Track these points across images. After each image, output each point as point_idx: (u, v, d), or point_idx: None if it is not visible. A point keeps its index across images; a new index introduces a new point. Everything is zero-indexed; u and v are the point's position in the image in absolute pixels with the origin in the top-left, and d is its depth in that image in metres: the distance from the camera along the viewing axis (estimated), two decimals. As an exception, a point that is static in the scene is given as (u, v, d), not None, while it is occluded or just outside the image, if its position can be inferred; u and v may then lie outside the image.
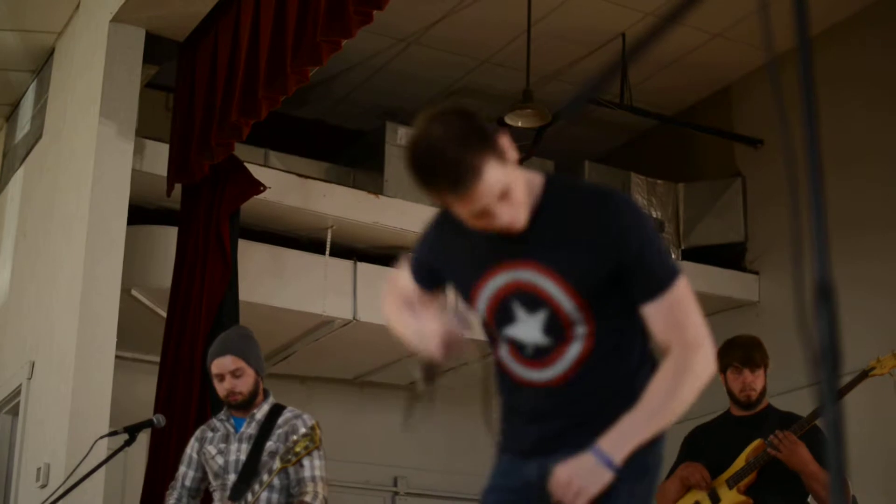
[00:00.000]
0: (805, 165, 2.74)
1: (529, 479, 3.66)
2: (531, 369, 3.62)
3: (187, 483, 6.01)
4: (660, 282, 3.53)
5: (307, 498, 5.59)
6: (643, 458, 3.48)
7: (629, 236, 3.45)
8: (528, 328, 3.56)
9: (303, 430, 5.46)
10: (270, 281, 10.56)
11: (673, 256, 3.56)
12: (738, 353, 6.23)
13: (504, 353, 3.73)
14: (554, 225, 3.44)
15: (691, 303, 3.61)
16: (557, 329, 3.50)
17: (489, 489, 3.77)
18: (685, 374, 3.46)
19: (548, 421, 3.62)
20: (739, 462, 6.08)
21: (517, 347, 3.66)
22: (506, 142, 3.36)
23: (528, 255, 3.48)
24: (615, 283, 3.48)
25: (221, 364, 5.81)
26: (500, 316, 3.65)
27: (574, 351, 3.52)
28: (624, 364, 3.57)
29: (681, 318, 3.56)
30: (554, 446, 3.57)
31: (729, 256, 12.47)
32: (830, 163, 10.54)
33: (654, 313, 3.52)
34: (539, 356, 3.58)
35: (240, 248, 9.74)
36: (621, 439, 3.39)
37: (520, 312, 3.57)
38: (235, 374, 5.80)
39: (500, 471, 3.81)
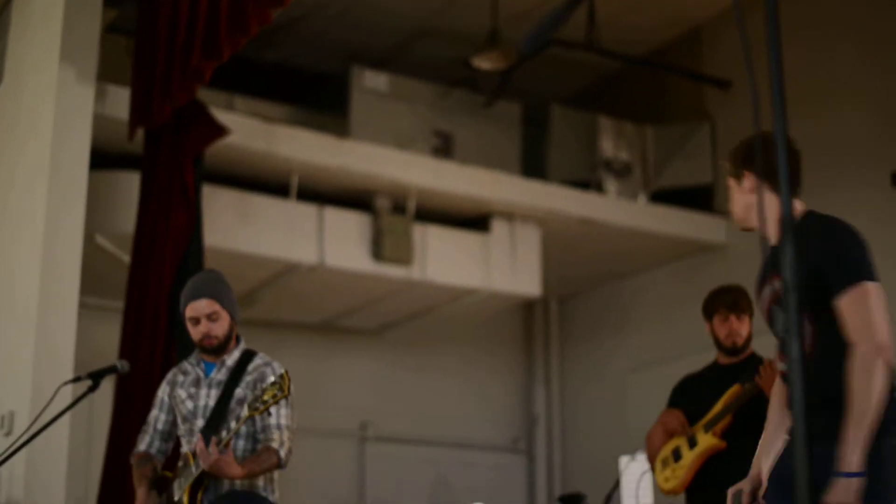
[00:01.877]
0: (770, 106, 2.69)
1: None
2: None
3: (159, 426, 5.96)
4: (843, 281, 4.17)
5: (273, 444, 5.54)
6: (877, 452, 3.97)
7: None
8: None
9: (271, 379, 5.40)
10: (236, 226, 10.49)
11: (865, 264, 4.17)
12: (724, 300, 6.27)
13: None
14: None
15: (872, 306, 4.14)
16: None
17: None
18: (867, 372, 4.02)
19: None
20: (717, 407, 6.09)
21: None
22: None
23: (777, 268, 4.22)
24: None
25: (197, 307, 5.75)
26: (770, 320, 4.23)
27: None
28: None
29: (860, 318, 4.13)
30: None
31: (697, 199, 12.44)
32: (814, 99, 10.57)
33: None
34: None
35: (205, 193, 9.64)
36: (852, 450, 3.93)
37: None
38: (211, 317, 5.73)
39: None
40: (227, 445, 5.40)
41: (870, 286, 4.13)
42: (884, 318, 4.09)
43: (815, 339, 4.19)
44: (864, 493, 3.89)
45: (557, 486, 13.55)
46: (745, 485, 4.56)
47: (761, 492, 4.41)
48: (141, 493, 5.78)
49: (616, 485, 7.21)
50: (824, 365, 4.12)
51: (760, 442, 4.64)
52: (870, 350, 4.01)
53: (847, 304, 4.10)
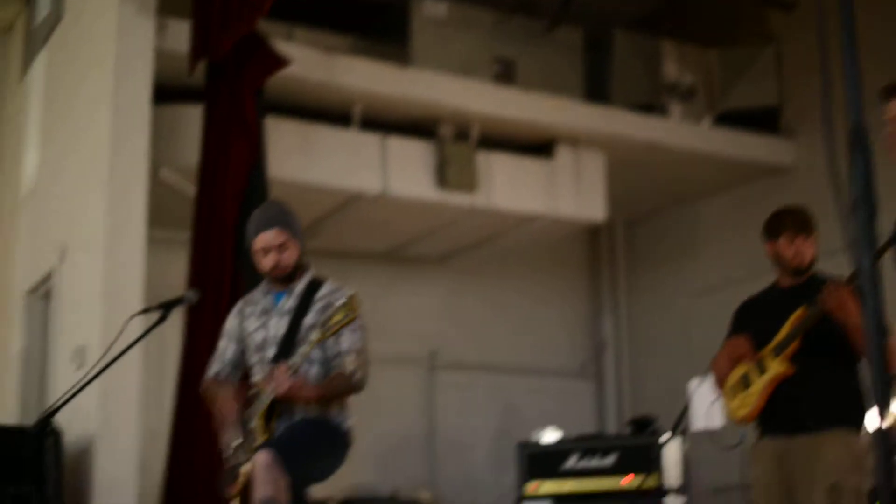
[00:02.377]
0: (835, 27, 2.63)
1: None
2: None
3: (228, 356, 5.98)
4: None
5: (346, 370, 5.54)
6: None
7: None
8: None
9: (341, 301, 5.40)
10: (299, 157, 10.49)
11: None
12: (790, 220, 6.17)
13: None
14: None
15: None
16: None
17: None
18: None
19: None
20: (784, 331, 6.02)
21: None
22: None
23: None
24: None
25: (265, 238, 5.75)
26: None
27: None
28: None
29: None
30: None
31: (763, 121, 12.31)
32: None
33: None
34: None
35: (267, 125, 9.65)
36: None
37: None
38: (280, 247, 5.74)
39: None
40: (297, 371, 5.42)
41: None
42: None
43: None
44: None
45: (627, 410, 13.54)
46: None
47: None
48: (222, 398, 5.80)
49: (686, 408, 7.19)
50: None
51: None
52: None
53: None
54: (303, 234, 5.89)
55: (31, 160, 10.97)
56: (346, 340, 5.60)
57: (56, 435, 5.17)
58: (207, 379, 6.03)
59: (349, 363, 5.58)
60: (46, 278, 9.79)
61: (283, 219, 5.79)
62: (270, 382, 5.38)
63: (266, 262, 5.79)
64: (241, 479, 5.59)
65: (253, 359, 5.86)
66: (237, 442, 5.73)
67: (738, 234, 12.21)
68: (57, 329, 9.32)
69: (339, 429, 5.67)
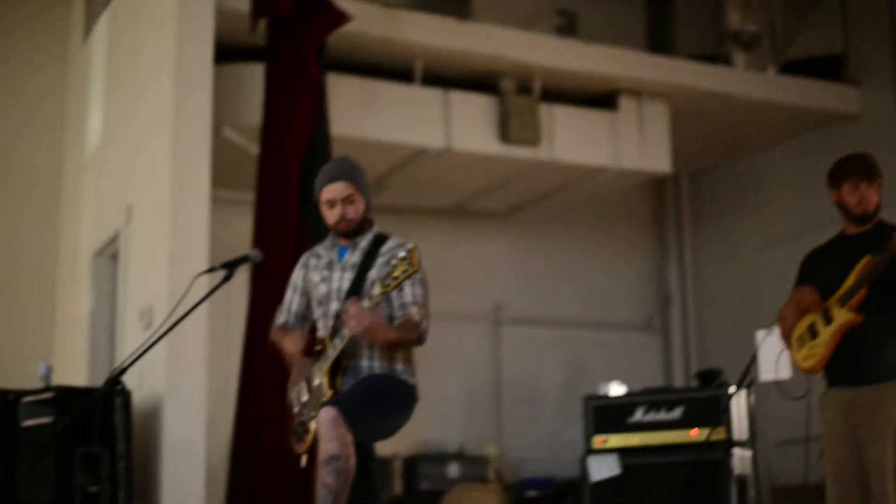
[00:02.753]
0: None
1: None
2: None
3: (293, 308, 5.99)
4: None
5: (413, 318, 5.54)
6: None
7: None
8: None
9: (402, 254, 5.39)
10: (361, 114, 10.49)
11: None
12: (855, 167, 6.09)
13: None
14: None
15: None
16: None
17: None
18: None
19: None
20: (850, 280, 5.96)
21: None
22: None
23: None
24: None
25: (333, 190, 5.74)
26: None
27: None
28: None
29: None
30: None
31: (828, 69, 12.17)
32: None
33: None
34: None
35: (329, 82, 9.65)
36: None
37: None
38: (347, 200, 5.73)
39: None
40: (375, 306, 5.40)
41: None
42: None
43: None
44: None
45: (693, 362, 13.50)
46: None
47: None
48: (289, 342, 5.81)
49: (753, 359, 7.14)
50: None
51: None
52: None
53: None
54: (369, 190, 5.88)
55: (95, 123, 11.02)
56: (409, 293, 5.60)
57: (125, 395, 5.21)
58: (275, 327, 6.05)
59: (415, 313, 5.57)
60: (113, 239, 9.85)
61: (351, 173, 5.78)
62: (348, 321, 5.36)
63: (332, 215, 5.79)
64: (308, 436, 5.61)
65: (317, 312, 5.87)
66: (304, 398, 5.76)
67: (803, 183, 12.11)
68: (124, 290, 9.38)
69: (405, 385, 5.67)
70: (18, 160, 11.93)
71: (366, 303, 5.42)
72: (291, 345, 5.77)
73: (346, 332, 5.47)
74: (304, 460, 5.70)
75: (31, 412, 7.92)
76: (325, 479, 5.21)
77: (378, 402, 5.51)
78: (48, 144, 12.14)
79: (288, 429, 5.84)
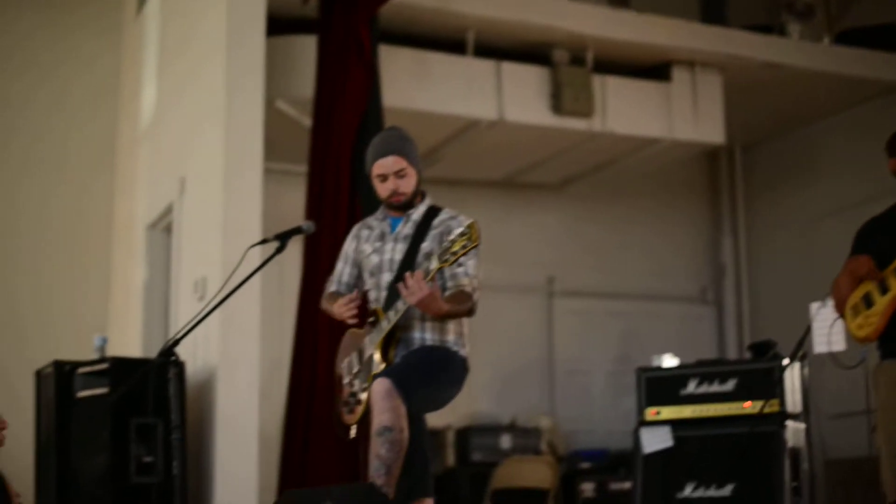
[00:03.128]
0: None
1: None
2: None
3: (344, 279, 6.02)
4: None
5: (465, 289, 5.55)
6: None
7: None
8: None
9: (460, 230, 5.38)
10: (414, 85, 10.48)
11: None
12: None
13: None
14: None
15: None
16: None
17: None
18: None
19: None
20: (907, 250, 5.91)
21: None
22: None
23: None
24: None
25: (384, 164, 5.75)
26: None
27: None
28: None
29: None
30: None
31: (884, 39, 12.06)
32: None
33: None
34: None
35: (381, 53, 9.64)
36: None
37: None
38: (398, 174, 5.74)
39: None
40: (432, 279, 5.40)
41: None
42: None
43: None
44: None
45: (747, 334, 13.44)
46: None
47: None
48: (339, 304, 5.81)
49: (807, 331, 7.11)
50: None
51: None
52: None
53: None
54: (420, 162, 5.88)
55: (148, 95, 11.07)
56: (465, 266, 5.60)
57: (179, 366, 5.24)
58: (325, 295, 6.07)
59: (466, 285, 5.57)
60: (167, 212, 9.91)
61: (401, 146, 5.78)
62: (404, 291, 5.36)
63: (384, 189, 5.80)
64: (359, 408, 5.63)
65: (368, 283, 5.88)
66: (355, 369, 5.77)
67: (858, 154, 12.00)
68: (178, 262, 9.44)
69: (457, 356, 5.68)
70: (73, 134, 12.00)
71: (431, 266, 5.42)
72: (342, 309, 5.79)
73: (402, 305, 5.48)
74: (353, 431, 5.72)
75: (87, 383, 7.99)
76: (379, 450, 5.23)
77: (430, 373, 5.52)
78: (102, 117, 12.20)
79: (338, 399, 5.86)
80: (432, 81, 10.62)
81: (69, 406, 8.05)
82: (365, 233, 5.97)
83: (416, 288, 5.31)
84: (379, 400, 5.27)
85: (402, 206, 5.82)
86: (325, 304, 6.04)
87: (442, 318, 5.59)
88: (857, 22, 12.18)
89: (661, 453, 7.19)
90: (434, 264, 5.34)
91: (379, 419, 5.25)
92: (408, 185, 5.78)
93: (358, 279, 6.00)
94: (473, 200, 12.25)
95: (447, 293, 5.59)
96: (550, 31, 10.93)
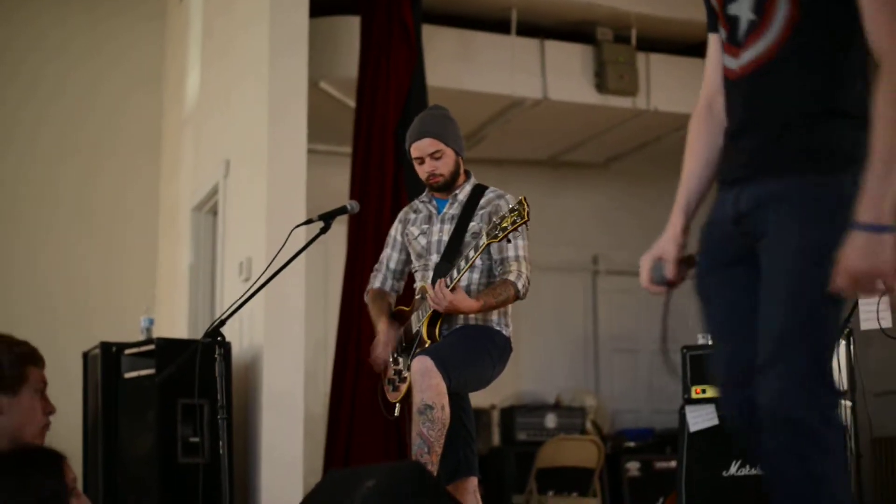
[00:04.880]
0: None
1: (725, 213, 3.41)
2: (742, 53, 3.28)
3: (392, 265, 6.01)
4: None
5: (511, 277, 5.53)
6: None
7: None
8: (741, 5, 3.27)
9: (510, 206, 5.37)
10: (457, 64, 10.47)
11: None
12: None
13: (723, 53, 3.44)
14: None
15: None
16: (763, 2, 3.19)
17: (705, 223, 3.53)
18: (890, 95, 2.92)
19: (747, 134, 3.29)
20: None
21: (731, 29, 3.34)
22: None
23: None
24: None
25: (420, 147, 5.75)
26: None
27: (779, 18, 3.15)
28: (830, 61, 3.13)
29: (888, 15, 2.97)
30: (749, 172, 3.27)
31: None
32: None
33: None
34: (748, 34, 3.26)
35: (424, 33, 9.63)
36: (876, 198, 2.87)
37: None
38: (435, 156, 5.73)
39: (713, 204, 3.52)
40: (454, 289, 5.41)
41: None
42: None
43: (792, 25, 3.14)
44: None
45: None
46: (665, 249, 3.70)
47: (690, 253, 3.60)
48: (382, 325, 5.84)
49: (853, 308, 7.06)
50: (799, 66, 3.15)
51: (682, 186, 3.82)
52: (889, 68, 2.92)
53: None
54: (461, 140, 5.87)
55: (193, 78, 11.10)
56: (513, 247, 5.59)
57: (225, 346, 5.25)
58: (370, 290, 6.07)
59: (514, 270, 5.56)
60: (212, 194, 9.93)
61: (436, 127, 5.77)
62: (432, 300, 5.40)
63: (422, 171, 5.80)
64: (403, 386, 5.63)
65: (416, 264, 5.88)
66: (402, 347, 5.78)
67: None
68: (223, 243, 9.46)
69: (500, 335, 5.67)
70: (120, 118, 12.07)
71: (461, 263, 5.44)
72: (379, 324, 5.83)
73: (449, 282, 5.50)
74: (397, 409, 5.73)
75: (134, 364, 8.03)
76: (420, 428, 5.23)
77: (472, 351, 5.52)
78: (147, 103, 12.26)
79: (383, 377, 5.87)
80: (476, 61, 10.61)
81: (116, 387, 8.10)
82: (412, 216, 5.97)
83: (439, 298, 5.34)
84: (419, 378, 5.27)
85: (443, 188, 5.81)
86: (368, 301, 6.06)
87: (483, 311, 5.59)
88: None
89: (706, 432, 7.16)
90: (483, 240, 5.35)
91: (419, 397, 5.25)
92: (445, 166, 5.77)
93: (405, 265, 6.00)
94: (518, 179, 12.25)
95: (492, 284, 5.59)
96: (593, 9, 10.89)
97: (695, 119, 3.65)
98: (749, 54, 3.26)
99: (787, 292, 3.10)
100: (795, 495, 3.05)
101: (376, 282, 6.05)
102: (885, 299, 6.22)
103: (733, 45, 3.33)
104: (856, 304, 7.11)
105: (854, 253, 2.87)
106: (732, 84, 3.36)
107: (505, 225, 5.25)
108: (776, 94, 3.20)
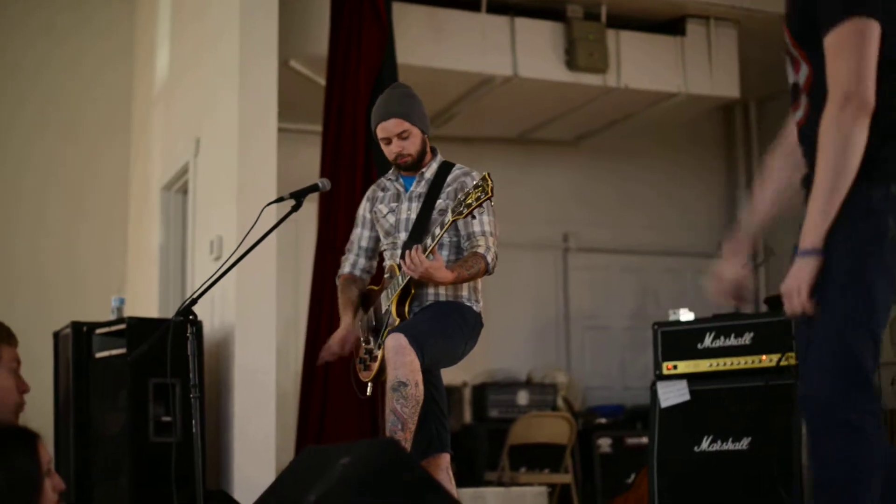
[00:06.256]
0: None
1: None
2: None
3: (363, 244, 6.03)
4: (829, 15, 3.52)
5: (480, 249, 5.54)
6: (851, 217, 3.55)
7: None
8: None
9: (474, 182, 5.38)
10: (428, 42, 10.46)
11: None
12: None
13: None
14: None
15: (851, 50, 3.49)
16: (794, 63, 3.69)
17: None
18: (830, 134, 3.49)
19: None
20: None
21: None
22: None
23: None
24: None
25: (386, 128, 5.75)
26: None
27: (802, 77, 3.65)
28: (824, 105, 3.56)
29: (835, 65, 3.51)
30: None
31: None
32: None
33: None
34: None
35: (395, 11, 9.62)
36: (812, 227, 3.60)
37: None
38: (402, 136, 5.73)
39: None
40: (433, 252, 5.43)
41: (863, 24, 3.46)
42: (871, 66, 3.45)
43: (813, 84, 3.62)
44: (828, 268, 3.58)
45: (763, 289, 13.43)
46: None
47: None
48: (345, 320, 5.87)
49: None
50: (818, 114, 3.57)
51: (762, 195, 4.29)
52: (846, 104, 3.43)
53: (832, 44, 3.48)
54: (426, 118, 5.87)
55: (163, 57, 11.06)
56: (479, 222, 5.60)
57: (196, 325, 5.25)
58: (341, 275, 6.09)
59: (482, 244, 5.57)
60: (182, 173, 9.91)
61: (401, 107, 5.77)
62: (406, 266, 5.40)
63: (389, 151, 5.82)
64: (374, 364, 5.65)
65: (385, 243, 5.89)
66: (372, 326, 5.79)
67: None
68: (194, 222, 9.45)
69: (471, 310, 5.69)
70: (88, 96, 12.01)
71: (428, 241, 5.45)
72: (344, 318, 5.86)
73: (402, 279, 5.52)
74: (370, 389, 5.74)
75: (105, 344, 8.02)
76: (394, 405, 5.25)
77: (444, 328, 5.53)
78: (117, 82, 12.21)
79: (354, 356, 5.88)
80: (446, 38, 10.59)
81: (87, 366, 8.08)
82: (380, 194, 5.98)
83: (414, 264, 5.35)
84: (392, 355, 5.28)
85: (411, 166, 5.83)
86: (338, 289, 6.07)
87: (454, 284, 5.61)
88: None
89: (678, 407, 7.19)
90: (448, 217, 5.36)
91: (393, 374, 5.26)
92: (412, 145, 5.78)
93: (376, 242, 6.01)
94: (488, 157, 12.25)
95: (462, 257, 5.61)
96: (562, -14, 10.90)
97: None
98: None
99: None
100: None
101: (347, 265, 6.06)
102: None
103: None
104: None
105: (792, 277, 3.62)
106: None
107: (469, 201, 5.27)
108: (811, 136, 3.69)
